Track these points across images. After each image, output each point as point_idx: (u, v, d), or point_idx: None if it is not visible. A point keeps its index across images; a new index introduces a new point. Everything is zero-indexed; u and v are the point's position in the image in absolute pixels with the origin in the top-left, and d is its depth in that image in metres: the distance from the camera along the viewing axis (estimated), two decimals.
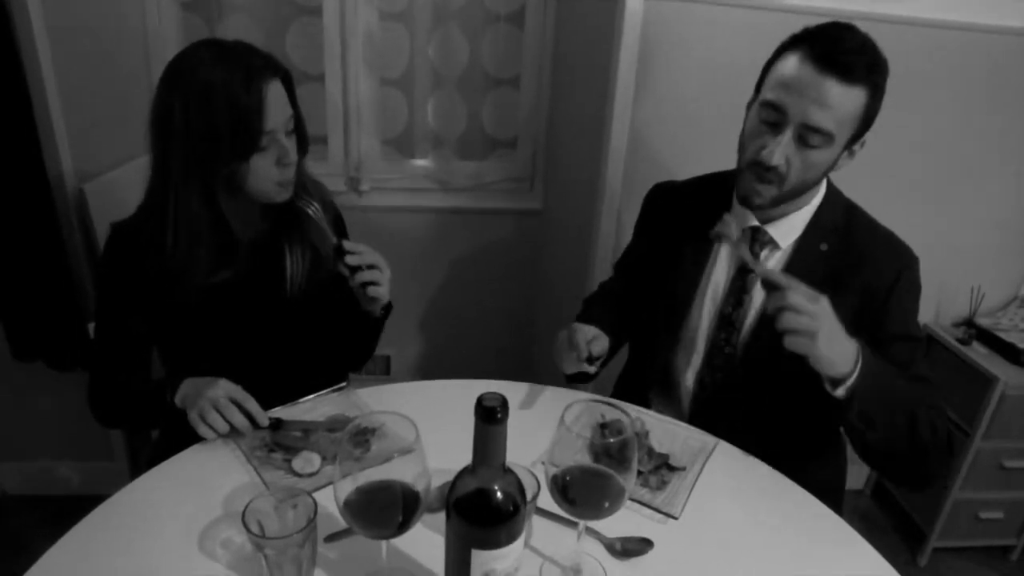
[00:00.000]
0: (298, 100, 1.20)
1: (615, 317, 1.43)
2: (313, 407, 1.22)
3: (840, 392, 1.06)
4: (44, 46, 1.65)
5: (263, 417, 1.11)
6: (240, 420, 1.09)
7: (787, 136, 1.11)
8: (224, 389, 1.10)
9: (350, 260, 1.17)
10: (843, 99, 1.08)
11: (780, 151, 1.11)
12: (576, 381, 1.32)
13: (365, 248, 1.19)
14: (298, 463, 1.06)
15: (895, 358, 1.22)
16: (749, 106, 1.23)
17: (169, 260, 1.15)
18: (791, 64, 1.11)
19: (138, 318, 1.23)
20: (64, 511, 0.96)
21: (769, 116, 1.13)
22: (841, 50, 1.07)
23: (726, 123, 1.25)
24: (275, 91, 1.11)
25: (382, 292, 1.21)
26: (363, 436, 0.89)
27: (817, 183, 1.22)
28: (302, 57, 2.20)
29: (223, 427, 1.08)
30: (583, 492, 0.84)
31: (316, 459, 1.07)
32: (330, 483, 0.82)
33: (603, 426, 0.94)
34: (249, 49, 1.13)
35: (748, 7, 1.75)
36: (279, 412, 1.18)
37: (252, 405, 1.11)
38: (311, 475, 1.05)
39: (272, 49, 2.09)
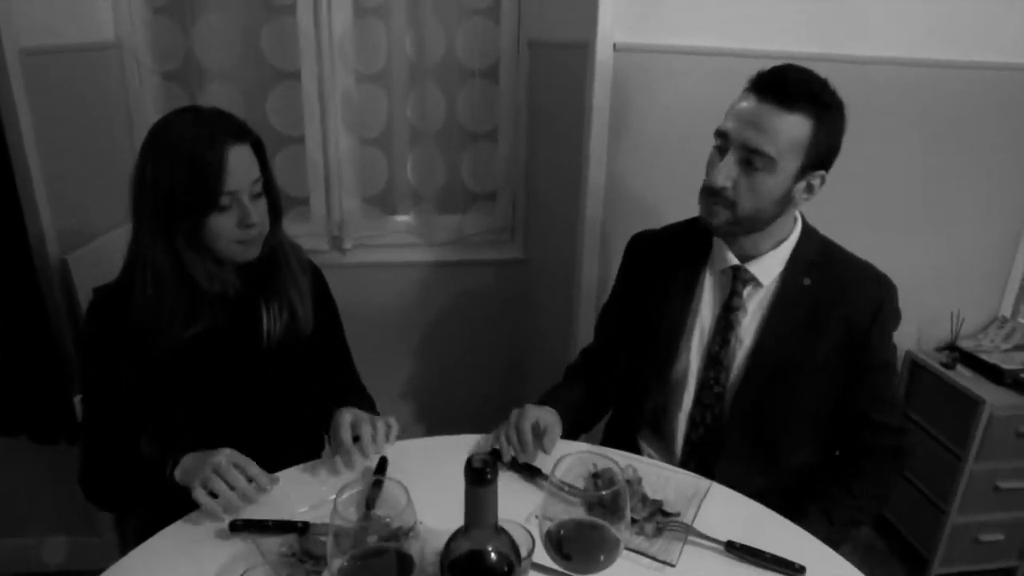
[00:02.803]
0: (272, 166, 1.24)
1: (587, 392, 1.47)
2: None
3: None
4: (26, 116, 1.65)
5: (265, 480, 1.10)
6: (243, 484, 1.07)
7: (730, 158, 1.17)
8: (226, 456, 1.09)
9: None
10: (782, 124, 1.14)
11: (724, 172, 1.18)
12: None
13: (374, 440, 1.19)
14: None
15: (873, 387, 1.28)
16: None
17: (139, 313, 1.17)
18: (739, 99, 1.20)
19: (124, 378, 1.22)
20: None
21: (717, 143, 1.21)
22: (781, 80, 1.15)
23: (700, 166, 1.28)
24: (240, 154, 1.14)
25: (392, 434, 1.22)
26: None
27: (778, 215, 1.24)
28: (282, 121, 2.24)
29: (228, 494, 1.05)
30: (578, 546, 0.84)
31: None
32: None
33: (595, 476, 0.94)
34: (222, 115, 1.18)
35: (714, 55, 1.81)
36: (307, 515, 1.08)
37: (253, 469, 1.09)
38: None
39: (252, 113, 2.16)
